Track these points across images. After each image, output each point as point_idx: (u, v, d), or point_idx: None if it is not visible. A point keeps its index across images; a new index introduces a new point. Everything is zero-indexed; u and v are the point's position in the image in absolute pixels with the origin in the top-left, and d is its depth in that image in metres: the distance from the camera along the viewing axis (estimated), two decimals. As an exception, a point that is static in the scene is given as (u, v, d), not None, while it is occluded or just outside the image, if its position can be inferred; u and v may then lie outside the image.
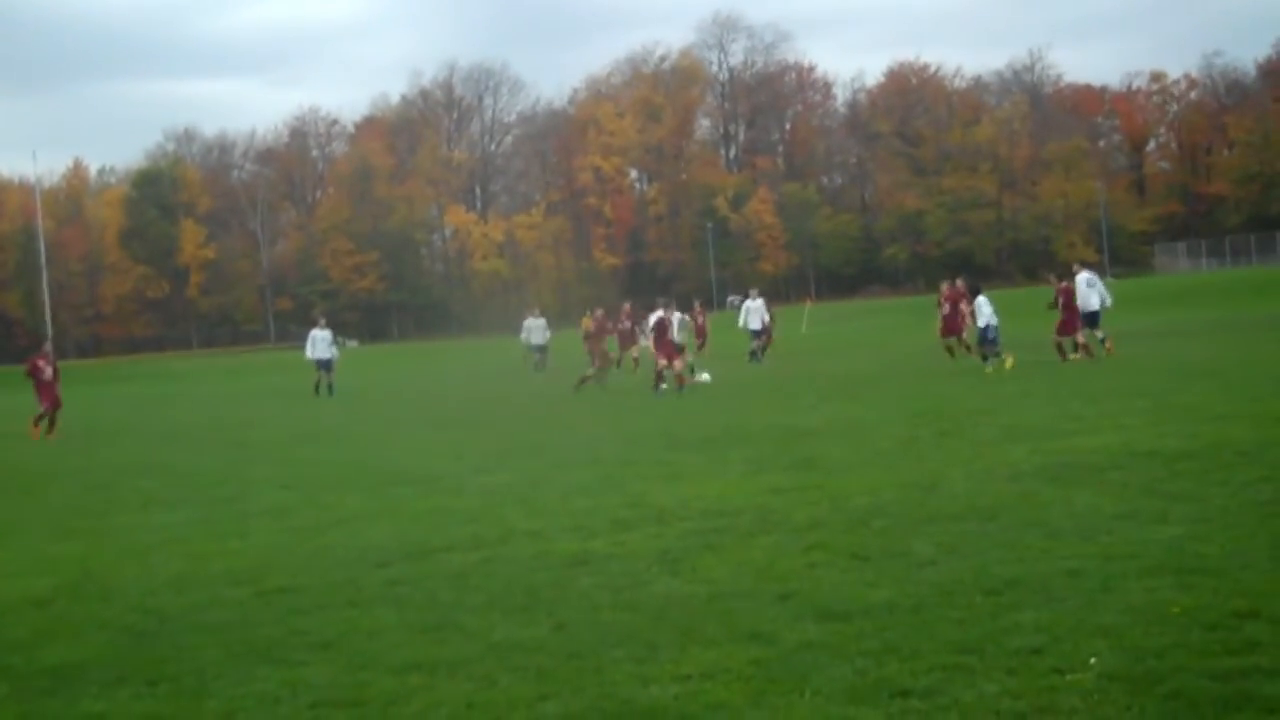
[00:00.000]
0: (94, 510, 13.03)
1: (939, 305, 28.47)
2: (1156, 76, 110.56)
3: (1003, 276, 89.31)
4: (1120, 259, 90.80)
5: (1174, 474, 10.02)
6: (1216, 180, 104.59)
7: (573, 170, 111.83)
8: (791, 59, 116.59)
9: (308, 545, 9.80)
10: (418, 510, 11.27)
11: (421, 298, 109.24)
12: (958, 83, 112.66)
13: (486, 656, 6.23)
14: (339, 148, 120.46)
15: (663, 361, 23.90)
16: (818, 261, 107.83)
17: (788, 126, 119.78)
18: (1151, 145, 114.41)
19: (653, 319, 26.76)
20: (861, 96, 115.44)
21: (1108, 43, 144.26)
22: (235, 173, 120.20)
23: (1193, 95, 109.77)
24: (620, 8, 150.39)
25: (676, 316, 27.07)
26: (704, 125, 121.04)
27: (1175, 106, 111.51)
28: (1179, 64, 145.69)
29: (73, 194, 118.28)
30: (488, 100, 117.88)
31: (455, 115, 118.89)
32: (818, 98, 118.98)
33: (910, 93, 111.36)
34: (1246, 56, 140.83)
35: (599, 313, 30.62)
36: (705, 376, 26.25)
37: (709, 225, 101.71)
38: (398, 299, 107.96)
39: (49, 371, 25.15)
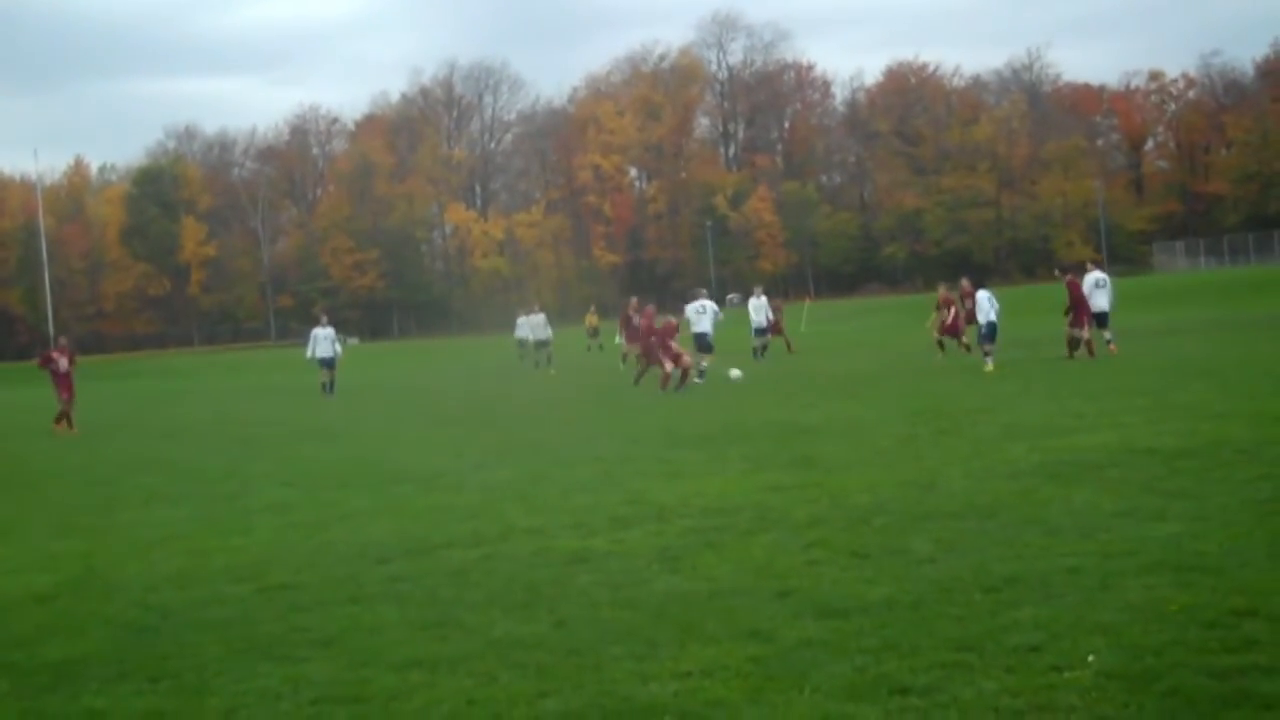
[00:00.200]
0: (96, 507, 13.05)
1: (937, 308, 28.57)
2: (1155, 76, 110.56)
3: (1001, 275, 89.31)
4: (1119, 258, 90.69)
5: (1172, 472, 10.04)
6: (1215, 179, 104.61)
7: (572, 168, 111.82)
8: (790, 58, 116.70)
9: (309, 542, 9.82)
10: (418, 507, 11.29)
11: (422, 295, 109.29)
12: (956, 82, 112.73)
13: (487, 653, 6.25)
14: (339, 146, 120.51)
15: (669, 364, 23.82)
16: (817, 260, 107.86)
17: (787, 125, 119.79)
18: (1150, 144, 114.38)
19: (690, 311, 26.77)
20: (860, 95, 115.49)
21: (1106, 42, 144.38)
22: (236, 170, 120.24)
23: (1191, 95, 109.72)
24: (620, 7, 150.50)
25: (711, 308, 27.06)
26: (703, 124, 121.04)
27: (1173, 106, 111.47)
28: (1177, 63, 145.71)
29: (74, 191, 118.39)
30: (488, 99, 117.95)
31: (455, 113, 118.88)
32: (817, 96, 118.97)
33: (909, 92, 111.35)
34: (1245, 56, 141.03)
35: (649, 308, 30.24)
36: (736, 373, 26.28)
37: (708, 223, 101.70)
38: (398, 297, 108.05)
39: (64, 363, 24.95)
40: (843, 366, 28.73)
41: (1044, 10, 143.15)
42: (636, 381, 25.16)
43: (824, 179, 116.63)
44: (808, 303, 60.40)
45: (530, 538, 9.30)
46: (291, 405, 29.88)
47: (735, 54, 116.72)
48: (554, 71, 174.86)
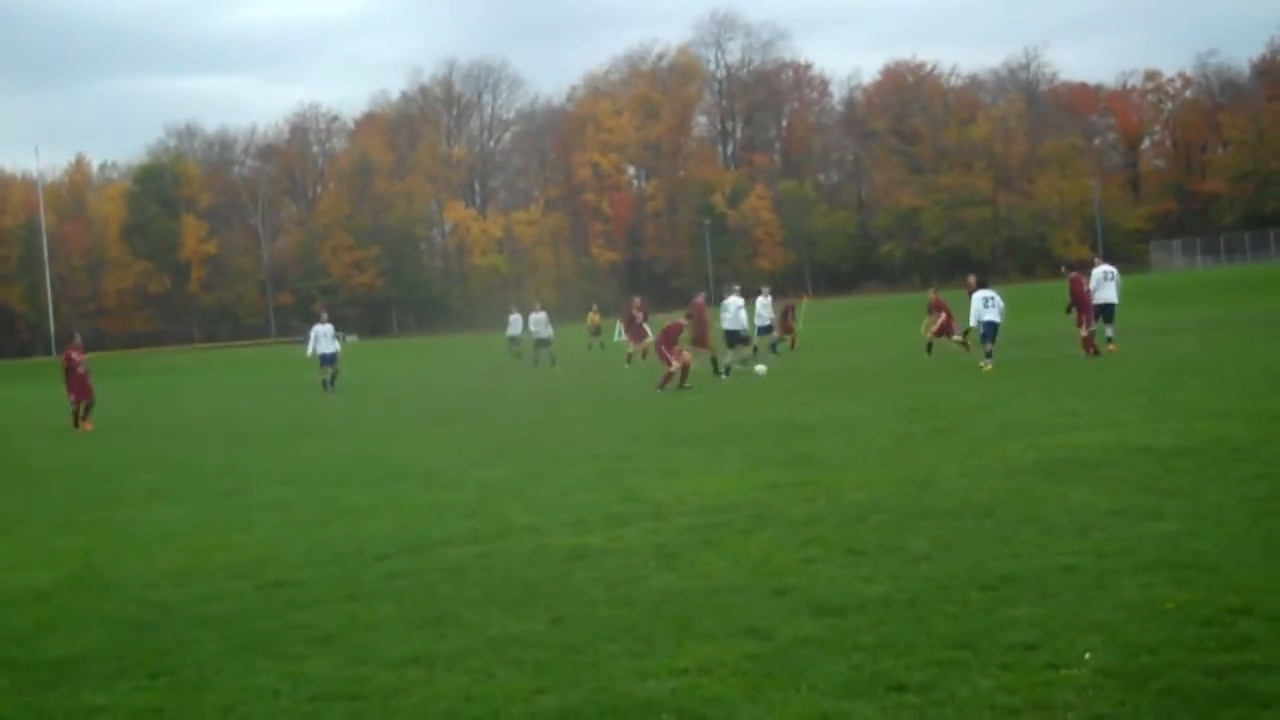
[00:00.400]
0: (96, 504, 13.06)
1: (929, 311, 28.65)
2: (1151, 75, 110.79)
3: (998, 273, 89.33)
4: (1115, 256, 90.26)
5: (1169, 470, 10.05)
6: (1211, 178, 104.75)
7: (571, 167, 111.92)
8: (788, 57, 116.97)
9: (308, 539, 9.83)
10: (417, 504, 11.30)
11: (421, 293, 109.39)
12: (953, 81, 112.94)
13: (484, 650, 6.26)
14: (339, 144, 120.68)
15: (675, 363, 23.83)
16: (814, 258, 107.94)
17: (784, 124, 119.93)
18: (1146, 143, 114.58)
19: (731, 305, 26.79)
20: (858, 94, 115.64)
21: (1103, 41, 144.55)
22: (236, 168, 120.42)
23: (1187, 94, 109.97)
24: (619, 6, 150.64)
25: (739, 305, 27.09)
26: (701, 122, 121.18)
27: (1170, 105, 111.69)
28: (1174, 63, 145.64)
29: (75, 189, 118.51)
30: (487, 97, 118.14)
31: (455, 112, 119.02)
32: (814, 95, 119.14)
33: (906, 91, 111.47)
34: (1241, 55, 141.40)
35: (700, 299, 30.13)
36: (761, 368, 26.28)
37: (706, 222, 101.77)
38: (397, 294, 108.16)
39: (82, 364, 25.11)
40: (840, 364, 28.77)
41: (1041, 10, 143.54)
42: (682, 384, 24.69)
43: (821, 177, 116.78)
44: (805, 301, 60.48)
45: (528, 535, 9.31)
46: (291, 402, 29.89)
47: (733, 53, 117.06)
48: (553, 70, 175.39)
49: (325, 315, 33.94)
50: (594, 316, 52.23)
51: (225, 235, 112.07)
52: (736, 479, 11.46)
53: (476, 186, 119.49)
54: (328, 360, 31.82)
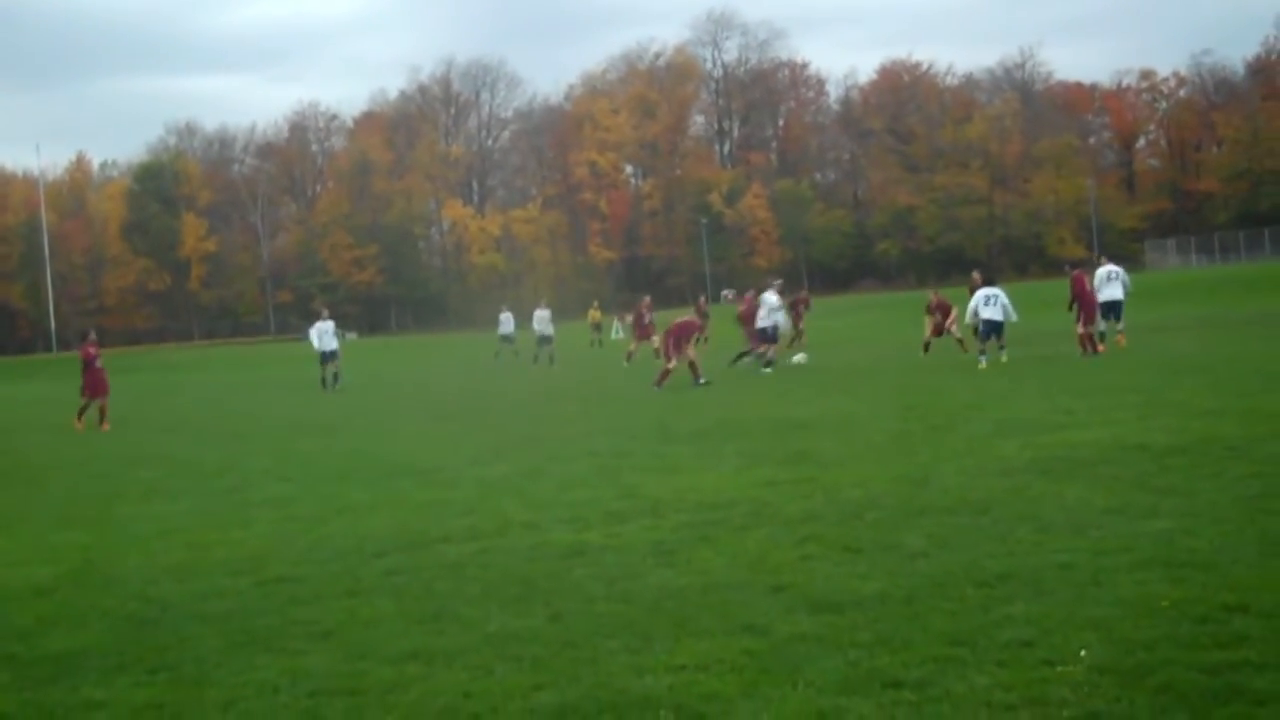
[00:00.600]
0: (96, 500, 13.08)
1: (929, 312, 28.68)
2: (1146, 74, 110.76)
3: (994, 272, 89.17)
4: (1111, 255, 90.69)
5: (1164, 469, 10.07)
6: (1205, 177, 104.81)
7: (569, 165, 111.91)
8: (785, 56, 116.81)
9: (308, 536, 9.85)
10: (416, 501, 11.31)
11: (419, 291, 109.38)
12: (949, 80, 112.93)
13: (482, 646, 6.28)
14: (338, 142, 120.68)
15: (673, 361, 23.87)
16: (810, 256, 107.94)
17: (781, 123, 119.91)
18: (1141, 142, 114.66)
19: (771, 300, 26.84)
20: (854, 93, 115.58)
21: (1098, 41, 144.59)
22: (236, 167, 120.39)
23: (1182, 93, 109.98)
24: (616, 5, 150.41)
25: (769, 296, 27.13)
26: (698, 121, 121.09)
27: (1165, 104, 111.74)
28: (1168, 62, 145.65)
29: (76, 187, 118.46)
30: (485, 96, 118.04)
31: (453, 111, 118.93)
32: (811, 94, 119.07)
33: (902, 90, 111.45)
34: (1235, 55, 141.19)
35: (749, 294, 30.24)
36: (800, 358, 26.30)
37: (703, 220, 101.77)
38: (396, 292, 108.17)
39: (98, 359, 24.79)
40: (837, 362, 28.79)
41: (1036, 9, 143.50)
42: (733, 362, 24.72)
43: (818, 176, 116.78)
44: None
45: (526, 532, 9.34)
46: (290, 400, 29.92)
47: (730, 52, 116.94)
48: (551, 69, 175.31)
49: (327, 312, 33.99)
50: (595, 314, 52.30)
51: (225, 233, 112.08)
52: (734, 476, 11.48)
53: (474, 185, 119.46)
54: (328, 358, 31.83)
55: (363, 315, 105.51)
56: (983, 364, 22.94)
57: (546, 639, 6.34)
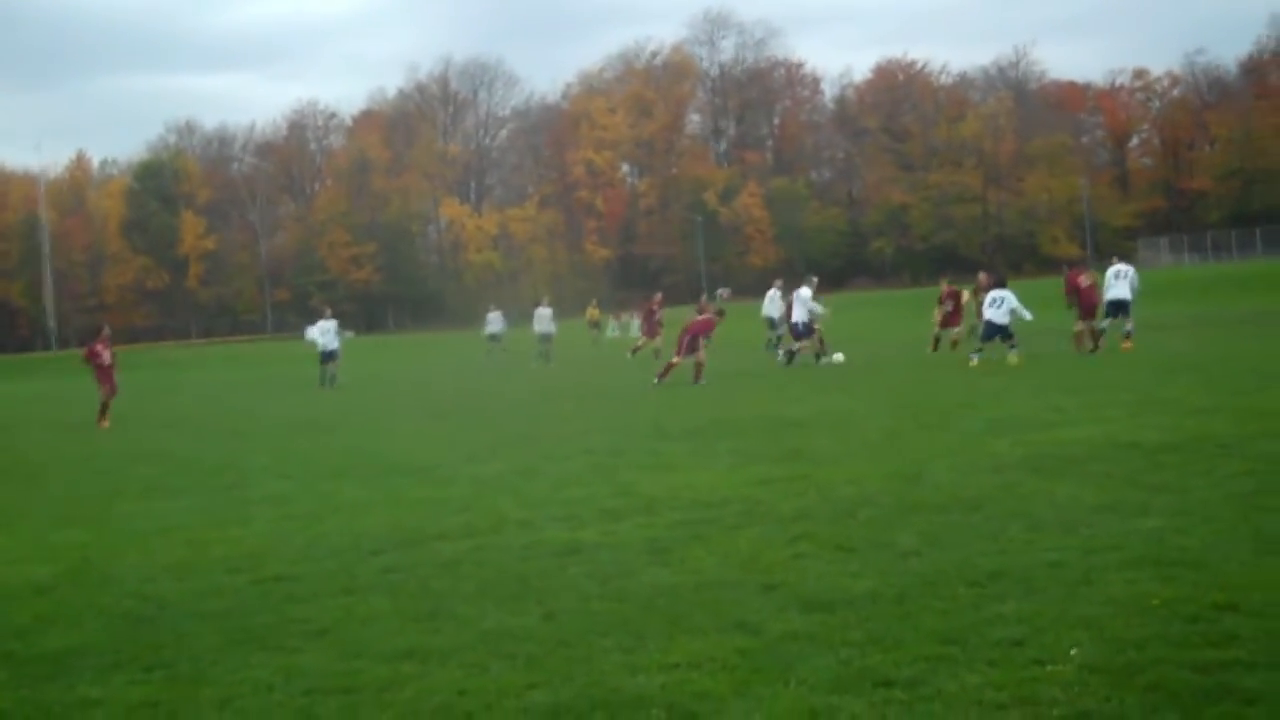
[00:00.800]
0: (96, 497, 13.08)
1: (939, 302, 28.71)
2: (1139, 74, 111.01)
3: (988, 271, 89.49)
4: (1104, 253, 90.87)
5: (1155, 467, 10.08)
6: (1198, 176, 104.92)
7: (565, 164, 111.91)
8: (781, 55, 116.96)
9: (305, 533, 9.86)
10: (412, 499, 11.32)
11: (417, 289, 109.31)
12: (944, 79, 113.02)
13: (477, 644, 6.29)
14: (337, 141, 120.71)
15: (678, 357, 23.91)
16: (805, 255, 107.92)
17: (776, 122, 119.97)
18: (1134, 141, 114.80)
19: (803, 293, 26.90)
20: (849, 93, 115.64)
21: (1092, 40, 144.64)
22: (235, 165, 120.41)
23: (1175, 92, 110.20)
24: (613, 4, 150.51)
25: (804, 291, 27.23)
26: (694, 120, 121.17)
27: (1158, 103, 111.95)
28: (1162, 62, 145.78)
29: (75, 185, 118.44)
30: (483, 95, 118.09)
31: (451, 109, 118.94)
32: (806, 94, 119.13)
33: (897, 89, 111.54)
34: (1228, 54, 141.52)
35: (814, 282, 30.08)
36: (839, 357, 26.35)
37: (699, 219, 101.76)
38: (394, 290, 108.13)
39: (107, 356, 24.48)
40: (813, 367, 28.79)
41: (1030, 9, 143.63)
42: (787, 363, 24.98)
43: (813, 175, 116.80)
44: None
45: (521, 530, 9.35)
46: (289, 398, 29.94)
47: (726, 51, 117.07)
48: (548, 68, 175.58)
49: (329, 311, 34.05)
50: (593, 311, 52.37)
51: (224, 231, 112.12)
52: (727, 474, 11.49)
53: (472, 184, 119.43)
54: (328, 357, 31.81)
55: (360, 313, 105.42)
56: (974, 361, 22.94)
57: (541, 637, 6.36)
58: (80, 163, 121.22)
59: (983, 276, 27.65)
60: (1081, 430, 12.63)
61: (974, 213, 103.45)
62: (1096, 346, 24.29)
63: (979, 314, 26.67)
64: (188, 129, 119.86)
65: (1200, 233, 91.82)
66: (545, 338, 38.89)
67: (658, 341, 33.13)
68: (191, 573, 8.59)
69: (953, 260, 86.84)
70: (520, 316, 43.30)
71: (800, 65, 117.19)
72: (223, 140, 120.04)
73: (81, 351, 25.56)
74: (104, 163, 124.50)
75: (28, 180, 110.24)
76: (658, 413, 18.40)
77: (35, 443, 21.49)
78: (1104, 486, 9.40)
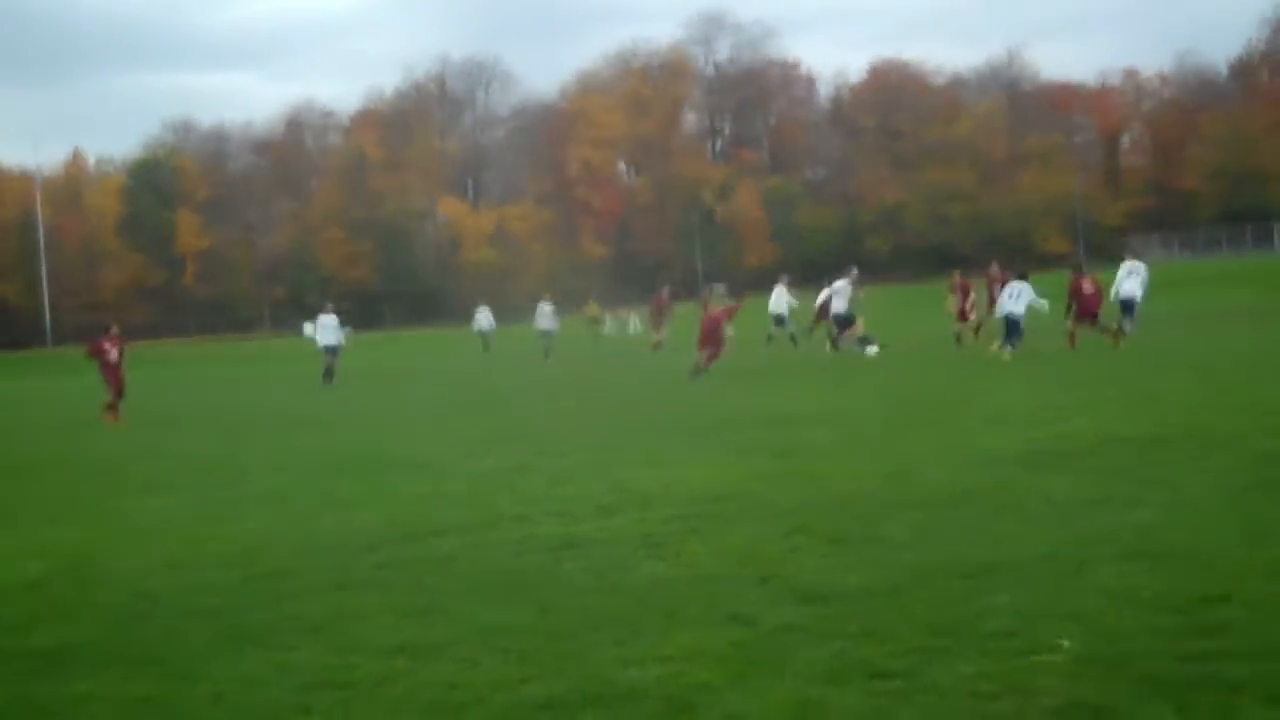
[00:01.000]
0: (91, 494, 13.09)
1: (953, 291, 28.77)
2: (1131, 74, 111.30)
3: (981, 267, 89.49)
4: (1095, 251, 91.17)
5: (1147, 461, 10.11)
6: (1188, 175, 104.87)
7: (562, 162, 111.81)
8: (776, 55, 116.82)
9: (300, 529, 9.87)
10: (407, 495, 11.33)
11: (414, 286, 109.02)
12: (938, 79, 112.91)
13: (470, 639, 6.29)
14: (334, 139, 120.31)
15: (702, 354, 24.08)
16: (800, 253, 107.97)
17: (772, 121, 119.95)
18: (1126, 141, 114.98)
19: (839, 288, 27.21)
20: (844, 92, 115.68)
21: (1084, 41, 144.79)
22: (232, 163, 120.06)
23: (1166, 93, 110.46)
24: (610, 4, 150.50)
25: (841, 284, 27.53)
26: (690, 119, 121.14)
27: (1149, 103, 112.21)
28: (1153, 62, 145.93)
29: (71, 183, 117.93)
30: (480, 93, 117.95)
31: (448, 108, 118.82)
32: (802, 93, 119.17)
33: (891, 89, 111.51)
34: (1218, 55, 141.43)
35: (854, 274, 30.32)
36: (873, 349, 26.45)
37: (695, 217, 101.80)
38: (391, 288, 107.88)
39: (114, 354, 24.06)
40: (827, 356, 28.82)
41: (1023, 10, 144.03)
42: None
43: (808, 173, 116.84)
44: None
45: (516, 525, 9.36)
46: (285, 394, 29.96)
47: (722, 51, 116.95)
48: (545, 67, 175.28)
49: (330, 306, 34.32)
50: (593, 308, 52.47)
51: (220, 229, 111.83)
52: (723, 469, 11.50)
53: (469, 181, 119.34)
54: (330, 351, 31.90)
55: (357, 310, 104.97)
56: (995, 350, 23.01)
57: (534, 631, 6.36)
58: (76, 160, 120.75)
59: (994, 269, 27.68)
60: (1074, 425, 12.65)
61: (968, 211, 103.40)
62: (1117, 343, 24.19)
63: (990, 305, 26.65)
64: (184, 127, 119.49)
65: (1191, 230, 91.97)
66: (546, 334, 39.08)
67: (663, 333, 33.26)
68: (186, 569, 8.58)
69: (947, 258, 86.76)
70: (517, 314, 43.36)
71: (796, 65, 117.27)
72: (219, 138, 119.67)
73: (85, 347, 25.29)
74: (100, 160, 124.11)
75: (24, 178, 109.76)
76: (653, 409, 18.42)
77: (31, 439, 21.49)
78: (1096, 480, 9.42)
